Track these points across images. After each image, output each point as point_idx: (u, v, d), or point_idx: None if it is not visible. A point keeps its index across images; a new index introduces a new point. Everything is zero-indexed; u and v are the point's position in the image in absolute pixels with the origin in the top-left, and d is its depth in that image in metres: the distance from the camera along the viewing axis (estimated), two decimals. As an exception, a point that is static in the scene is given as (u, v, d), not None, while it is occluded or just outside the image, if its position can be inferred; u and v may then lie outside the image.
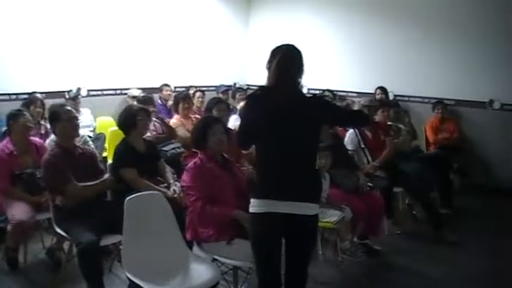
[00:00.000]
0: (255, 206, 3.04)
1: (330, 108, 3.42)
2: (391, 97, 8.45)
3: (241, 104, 7.35)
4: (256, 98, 3.14)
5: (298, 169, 3.04)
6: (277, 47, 3.12)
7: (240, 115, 3.33)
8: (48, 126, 5.95)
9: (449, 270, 4.93)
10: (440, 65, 8.17)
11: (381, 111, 6.23)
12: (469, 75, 7.89)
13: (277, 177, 3.02)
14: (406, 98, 8.50)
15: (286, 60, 3.04)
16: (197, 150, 4.07)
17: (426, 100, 8.27)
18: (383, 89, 8.39)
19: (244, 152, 5.44)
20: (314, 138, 3.19)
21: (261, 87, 3.14)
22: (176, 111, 6.57)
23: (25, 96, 6.74)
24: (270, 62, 3.08)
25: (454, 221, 6.26)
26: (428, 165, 6.69)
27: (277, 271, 3.11)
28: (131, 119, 4.70)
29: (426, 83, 8.32)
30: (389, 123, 6.37)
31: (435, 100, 7.99)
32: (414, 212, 6.42)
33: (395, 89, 8.51)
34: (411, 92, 8.49)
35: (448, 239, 5.65)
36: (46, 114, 6.16)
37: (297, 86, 3.12)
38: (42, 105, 6.23)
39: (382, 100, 7.73)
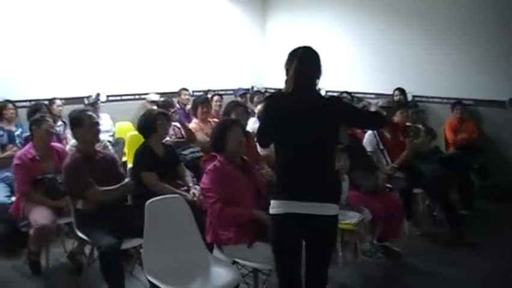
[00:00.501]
0: (274, 207, 3.05)
1: (347, 109, 3.42)
2: (409, 98, 8.39)
3: (259, 106, 7.37)
4: (275, 99, 3.18)
5: (317, 170, 3.05)
6: (295, 50, 3.14)
7: (259, 116, 3.38)
8: (58, 130, 6.07)
9: (469, 273, 4.88)
10: (459, 65, 8.09)
11: (400, 112, 6.22)
12: (487, 75, 7.80)
13: (296, 178, 3.03)
14: (425, 99, 8.43)
15: (304, 63, 3.05)
16: (216, 154, 4.09)
17: (445, 100, 8.19)
18: (401, 90, 8.34)
19: (263, 154, 5.46)
20: (332, 139, 3.21)
21: (280, 90, 3.18)
22: (195, 115, 6.57)
23: (45, 102, 6.82)
24: (288, 64, 3.10)
25: (474, 222, 6.21)
26: (447, 166, 6.67)
27: (297, 272, 3.12)
28: (151, 123, 4.75)
29: (444, 84, 8.24)
30: (407, 124, 6.34)
31: (454, 100, 7.93)
32: (434, 214, 6.37)
33: (413, 89, 8.46)
34: (430, 93, 8.42)
35: (468, 241, 5.61)
36: (54, 120, 6.26)
37: (315, 88, 3.14)
38: (49, 111, 6.32)
39: (400, 101, 7.72)
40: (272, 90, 9.92)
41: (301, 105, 3.01)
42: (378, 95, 8.44)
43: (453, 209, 5.86)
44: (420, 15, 8.52)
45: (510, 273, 4.91)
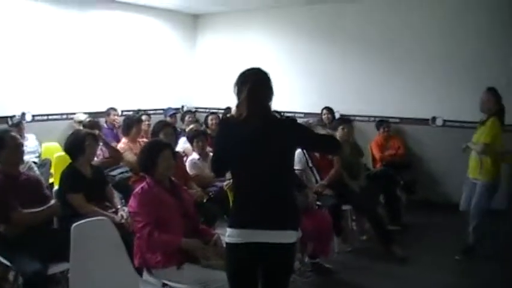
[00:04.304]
0: (231, 235, 2.96)
1: (306, 132, 3.23)
2: (337, 117, 8.58)
3: (192, 126, 7.35)
4: (230, 124, 3.09)
5: (276, 196, 2.99)
6: (244, 73, 3.08)
7: (214, 142, 3.20)
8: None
9: (400, 286, 5.03)
10: (384, 85, 8.42)
11: (341, 128, 6.35)
12: (411, 94, 8.16)
13: (255, 205, 2.96)
14: (351, 117, 8.62)
15: (257, 86, 3.00)
16: (144, 175, 4.03)
17: (372, 119, 8.45)
18: (328, 109, 8.54)
19: (192, 174, 5.44)
20: (290, 163, 3.15)
21: (229, 115, 3.12)
22: (127, 135, 6.45)
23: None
24: (239, 88, 3.03)
25: (403, 236, 6.35)
26: (374, 182, 6.80)
27: None
28: (78, 144, 4.66)
29: (370, 103, 8.54)
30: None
31: (379, 119, 8.16)
32: (362, 230, 6.46)
33: (340, 109, 8.65)
34: (356, 111, 8.66)
35: (397, 255, 5.72)
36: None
37: (270, 111, 3.06)
38: None
39: (342, 118, 7.91)
40: (202, 110, 9.95)
41: (257, 130, 2.92)
42: (307, 114, 8.58)
43: (381, 225, 5.98)
44: (347, 38, 8.83)
45: (439, 285, 5.09)
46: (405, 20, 8.21)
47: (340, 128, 6.49)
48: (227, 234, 3.00)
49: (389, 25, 8.36)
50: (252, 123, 2.92)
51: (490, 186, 5.49)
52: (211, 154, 5.31)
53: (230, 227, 2.99)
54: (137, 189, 3.83)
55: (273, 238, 2.91)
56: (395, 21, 8.31)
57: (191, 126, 7.59)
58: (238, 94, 3.03)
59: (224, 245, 3.09)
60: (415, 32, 8.12)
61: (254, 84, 3.00)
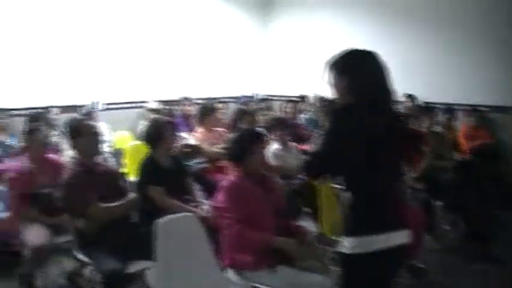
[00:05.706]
0: (362, 245, 2.55)
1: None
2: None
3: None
4: (347, 116, 2.55)
5: (398, 195, 2.73)
6: (361, 53, 2.72)
7: (324, 136, 2.55)
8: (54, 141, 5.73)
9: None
10: (475, 70, 8.03)
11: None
12: (503, 80, 7.62)
13: (386, 207, 2.60)
14: (438, 106, 8.18)
15: (384, 71, 2.64)
16: (224, 165, 3.73)
17: (456, 107, 7.96)
18: (410, 96, 8.10)
19: (274, 165, 5.15)
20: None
21: (354, 104, 2.57)
22: (201, 124, 6.17)
23: (41, 111, 6.59)
24: (357, 72, 2.63)
25: (497, 235, 5.88)
26: (462, 175, 6.37)
27: None
28: (158, 132, 4.42)
29: (457, 89, 8.09)
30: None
31: (469, 107, 7.77)
32: (454, 227, 6.04)
33: (422, 95, 8.20)
34: (437, 99, 8.17)
35: (493, 255, 5.32)
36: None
37: (392, 102, 2.67)
38: (45, 120, 6.03)
39: (423, 107, 7.51)
40: (276, 98, 9.67)
41: (384, 124, 2.50)
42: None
43: (475, 222, 5.63)
44: (433, 18, 8.50)
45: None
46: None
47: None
48: (352, 245, 2.56)
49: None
50: (378, 116, 2.50)
51: None
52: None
53: (358, 235, 2.56)
54: (225, 182, 3.53)
55: (403, 238, 2.61)
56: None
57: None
58: (355, 78, 2.59)
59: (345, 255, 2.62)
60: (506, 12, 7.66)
61: (377, 69, 2.63)
